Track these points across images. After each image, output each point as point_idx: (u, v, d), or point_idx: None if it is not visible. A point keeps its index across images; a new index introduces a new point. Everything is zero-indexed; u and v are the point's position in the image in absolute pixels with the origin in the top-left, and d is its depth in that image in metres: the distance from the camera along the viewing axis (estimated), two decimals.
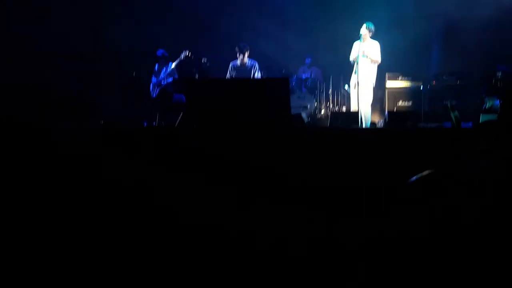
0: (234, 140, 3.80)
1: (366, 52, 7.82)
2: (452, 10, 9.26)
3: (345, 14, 9.47)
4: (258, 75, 8.26)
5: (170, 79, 9.05)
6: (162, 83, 9.03)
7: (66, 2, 9.61)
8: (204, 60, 9.00)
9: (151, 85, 9.17)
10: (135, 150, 3.87)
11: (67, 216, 3.11)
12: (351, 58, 8.03)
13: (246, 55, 8.23)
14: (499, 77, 8.28)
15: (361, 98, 7.78)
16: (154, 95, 9.13)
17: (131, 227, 3.10)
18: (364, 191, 3.24)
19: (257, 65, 8.30)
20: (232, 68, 8.36)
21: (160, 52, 9.10)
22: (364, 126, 7.37)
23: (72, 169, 3.60)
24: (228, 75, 8.36)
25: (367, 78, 7.88)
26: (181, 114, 8.38)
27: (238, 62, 8.31)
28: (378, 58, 7.91)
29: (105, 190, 3.45)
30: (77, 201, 3.32)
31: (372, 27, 7.88)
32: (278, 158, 3.63)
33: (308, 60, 10.58)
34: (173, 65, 8.93)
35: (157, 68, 9.18)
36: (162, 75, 9.06)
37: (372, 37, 7.96)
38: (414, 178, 1.04)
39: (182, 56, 8.82)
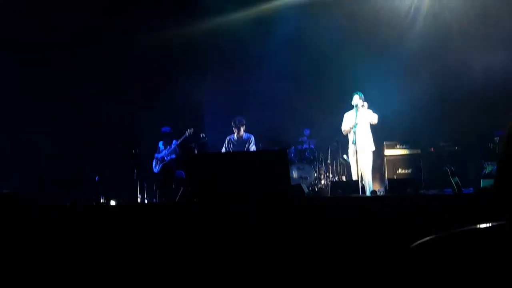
0: (233, 214, 3.75)
1: (369, 120, 7.90)
2: (447, 77, 9.45)
3: (337, 86, 9.67)
4: (253, 148, 8.31)
5: (173, 156, 9.09)
6: (166, 159, 9.07)
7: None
8: (202, 135, 9.11)
9: (154, 160, 9.21)
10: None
11: None
12: (346, 128, 8.09)
13: (242, 129, 8.35)
14: (497, 142, 8.33)
15: (364, 167, 7.82)
16: (156, 171, 9.15)
17: None
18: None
19: (252, 139, 8.39)
20: (229, 142, 8.45)
21: (165, 129, 9.19)
22: (367, 193, 7.33)
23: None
24: (224, 149, 8.42)
25: (368, 145, 7.98)
26: (181, 190, 8.36)
27: (235, 136, 8.41)
28: (376, 119, 7.97)
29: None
30: None
31: (363, 96, 8.01)
32: (278, 230, 3.56)
33: (307, 132, 10.63)
34: (178, 142, 9.01)
35: (162, 145, 9.25)
36: (165, 151, 9.11)
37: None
38: (415, 243, 1.02)
39: (187, 133, 8.92)
